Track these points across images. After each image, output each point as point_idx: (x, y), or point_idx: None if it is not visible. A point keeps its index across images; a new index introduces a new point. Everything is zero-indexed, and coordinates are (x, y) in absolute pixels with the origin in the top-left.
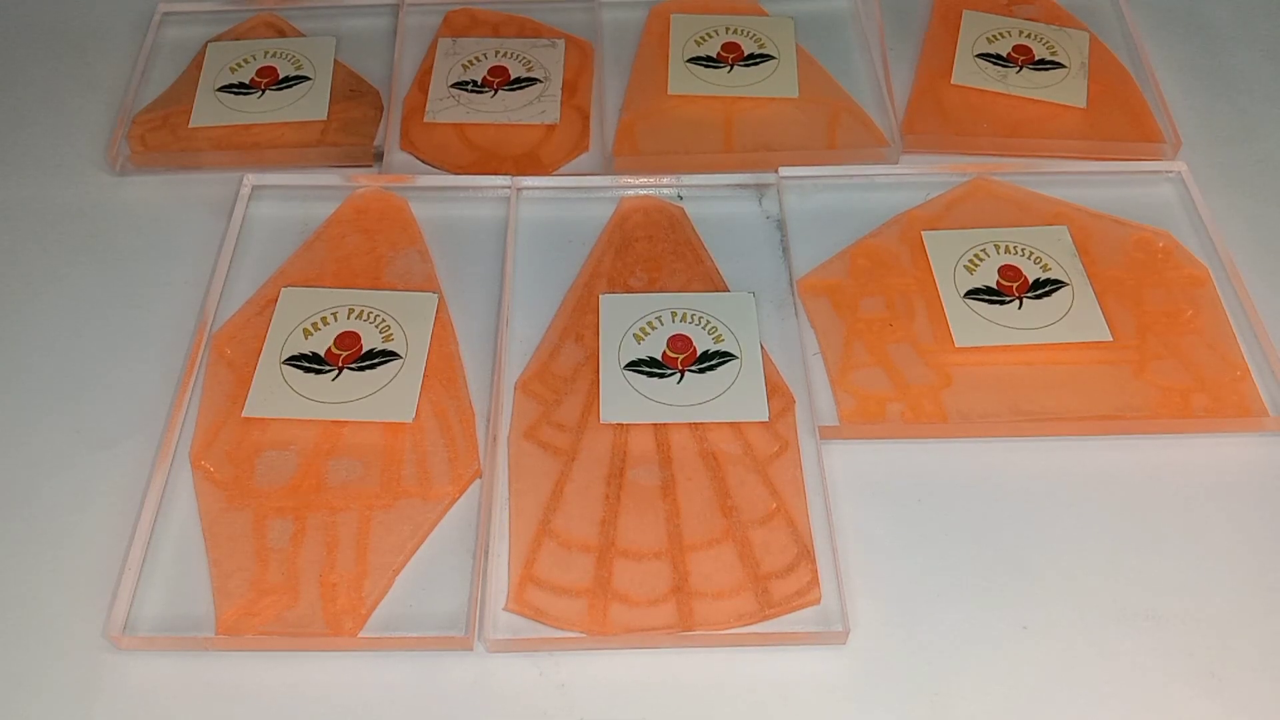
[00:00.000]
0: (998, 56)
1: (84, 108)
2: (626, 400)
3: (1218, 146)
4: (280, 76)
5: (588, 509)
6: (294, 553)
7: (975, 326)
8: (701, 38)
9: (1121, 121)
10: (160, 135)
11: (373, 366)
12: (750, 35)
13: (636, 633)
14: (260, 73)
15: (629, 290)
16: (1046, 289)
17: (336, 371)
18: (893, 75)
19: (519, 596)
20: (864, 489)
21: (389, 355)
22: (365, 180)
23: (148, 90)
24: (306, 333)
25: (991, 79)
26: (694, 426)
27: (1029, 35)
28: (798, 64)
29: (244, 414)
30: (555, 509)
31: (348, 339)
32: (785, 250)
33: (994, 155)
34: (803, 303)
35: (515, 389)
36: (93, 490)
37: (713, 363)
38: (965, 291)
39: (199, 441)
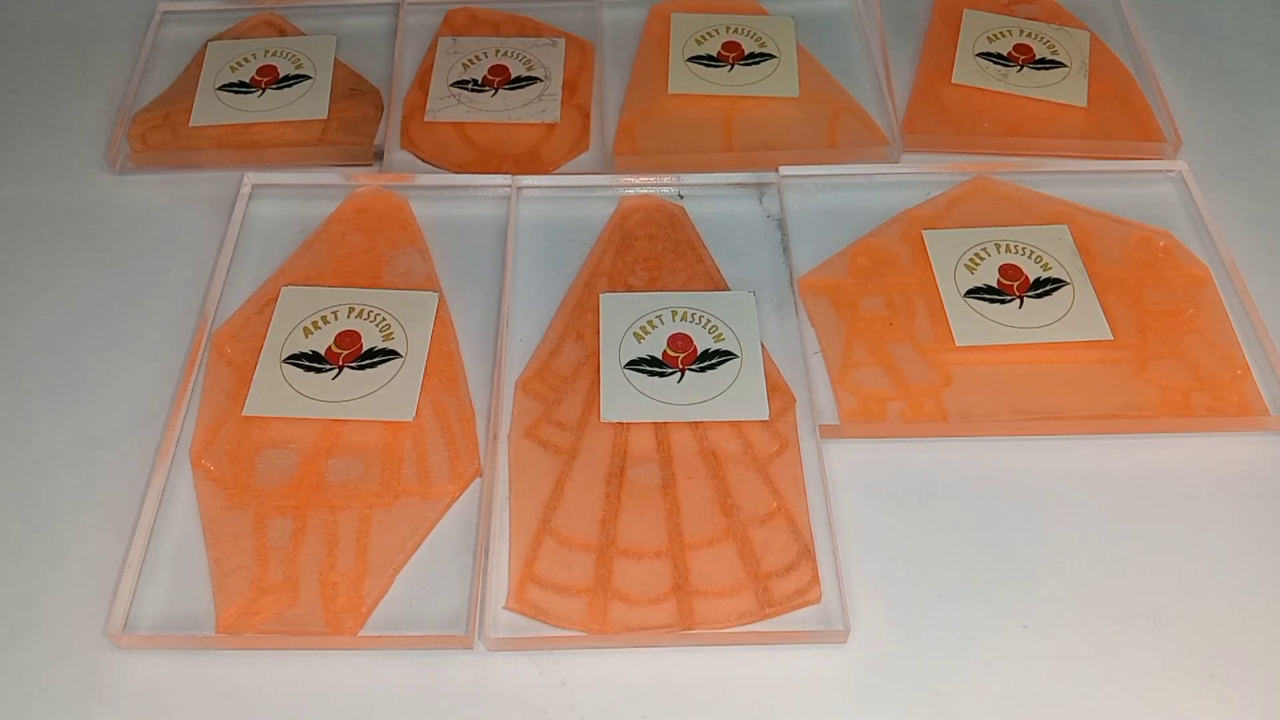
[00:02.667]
0: (998, 55)
1: (84, 107)
2: (627, 399)
3: (1218, 146)
4: (280, 75)
5: (588, 508)
6: (294, 551)
7: (976, 325)
8: (702, 37)
9: (1122, 120)
10: (160, 134)
11: (373, 365)
12: (751, 34)
13: (637, 631)
14: (260, 71)
15: (629, 289)
16: (1047, 288)
17: (337, 370)
18: (893, 74)
19: (519, 595)
20: (864, 488)
21: (389, 354)
22: (365, 179)
23: (148, 89)
24: (307, 331)
25: (992, 78)
26: (694, 425)
27: (1030, 34)
28: (798, 63)
29: (244, 413)
30: (555, 508)
31: (348, 338)
32: (785, 249)
33: (995, 154)
34: (803, 302)
35: (515, 388)
36: (93, 489)
37: (713, 362)
38: (966, 290)
39: (199, 440)
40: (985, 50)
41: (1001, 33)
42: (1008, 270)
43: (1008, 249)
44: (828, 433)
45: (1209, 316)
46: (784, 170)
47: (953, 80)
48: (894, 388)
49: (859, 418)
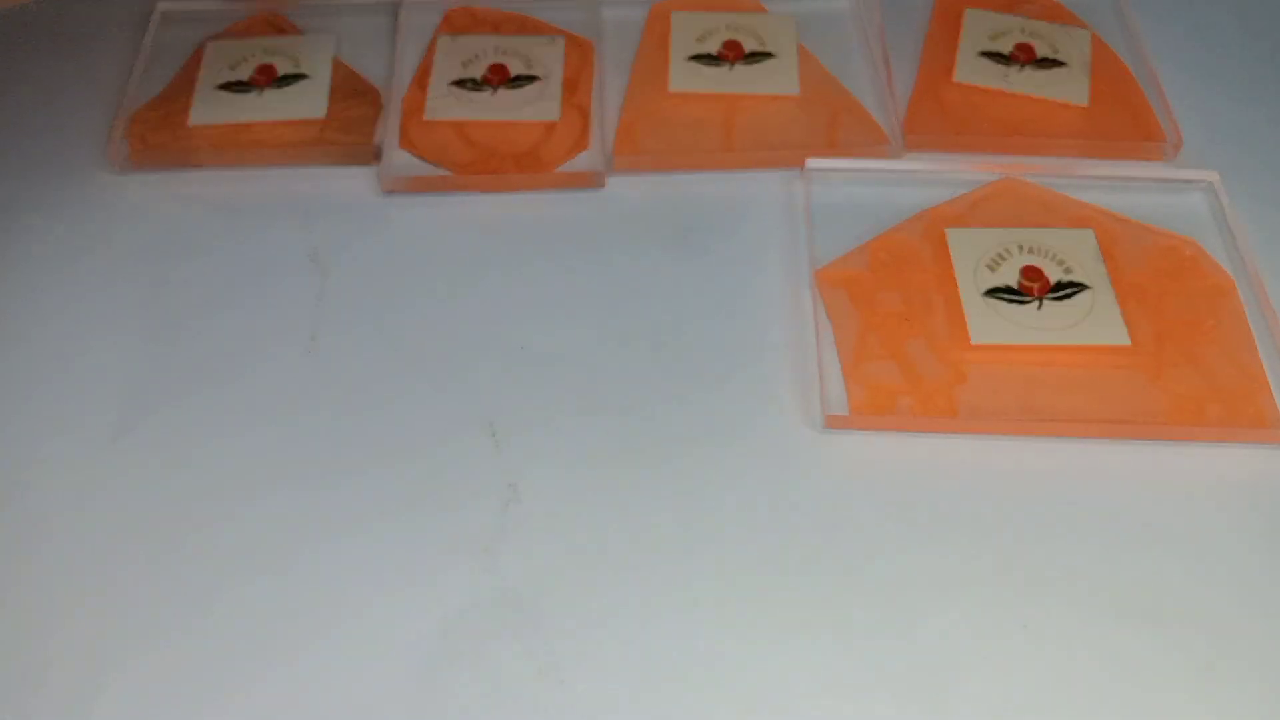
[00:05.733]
0: (1000, 55)
1: (83, 107)
2: None
3: (1217, 146)
4: (279, 75)
5: None
6: None
7: (992, 324)
8: (702, 35)
9: (1122, 119)
10: (160, 134)
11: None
12: (751, 33)
13: None
14: (259, 71)
15: None
16: (1068, 291)
17: None
18: (894, 73)
19: None
20: (869, 481)
21: None
22: None
23: (147, 89)
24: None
25: (993, 77)
26: None
27: (1031, 33)
28: (799, 62)
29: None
30: None
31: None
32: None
33: (1024, 155)
34: (820, 293)
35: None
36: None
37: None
38: (985, 290)
39: None
40: (986, 49)
41: (1002, 32)
42: (1029, 271)
43: (1030, 250)
44: (835, 423)
45: (1229, 328)
46: (810, 164)
47: (954, 79)
48: (906, 382)
49: (869, 410)
